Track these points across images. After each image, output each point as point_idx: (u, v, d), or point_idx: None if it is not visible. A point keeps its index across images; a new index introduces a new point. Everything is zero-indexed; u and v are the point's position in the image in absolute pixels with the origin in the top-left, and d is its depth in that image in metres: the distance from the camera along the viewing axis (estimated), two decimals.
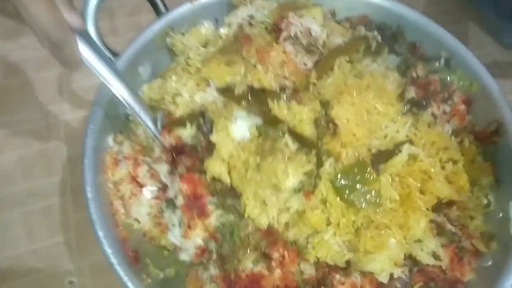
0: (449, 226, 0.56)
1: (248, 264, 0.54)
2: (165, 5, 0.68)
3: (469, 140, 0.60)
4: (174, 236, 0.56)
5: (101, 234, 0.50)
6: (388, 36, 0.71)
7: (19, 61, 0.77)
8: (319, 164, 0.55)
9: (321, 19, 0.65)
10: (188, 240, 0.55)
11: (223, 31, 0.68)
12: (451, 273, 0.53)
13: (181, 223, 0.56)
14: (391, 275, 0.52)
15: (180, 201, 0.56)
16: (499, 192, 0.58)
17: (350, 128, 0.57)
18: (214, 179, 0.57)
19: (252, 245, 0.55)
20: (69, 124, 0.72)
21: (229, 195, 0.57)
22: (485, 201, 0.59)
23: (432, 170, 0.56)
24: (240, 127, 0.58)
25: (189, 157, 0.58)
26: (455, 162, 0.57)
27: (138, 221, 0.58)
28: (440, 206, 0.57)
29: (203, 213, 0.56)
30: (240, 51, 0.64)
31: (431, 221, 0.55)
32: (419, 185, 0.55)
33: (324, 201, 0.53)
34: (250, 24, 0.67)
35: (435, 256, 0.54)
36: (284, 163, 0.54)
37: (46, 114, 0.73)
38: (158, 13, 0.68)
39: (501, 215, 0.56)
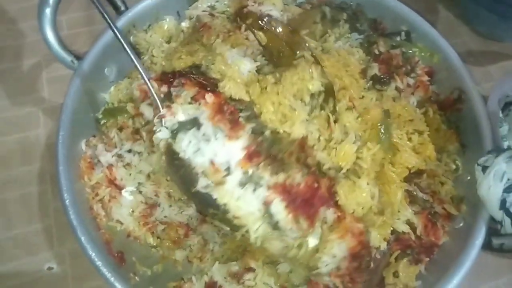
0: (420, 194, 0.59)
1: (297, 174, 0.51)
2: (124, 3, 0.67)
3: (433, 110, 0.63)
4: (211, 151, 0.50)
5: (83, 239, 0.50)
6: (349, 15, 0.72)
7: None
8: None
9: (280, 5, 0.66)
10: (233, 142, 0.50)
11: (184, 24, 0.68)
12: (426, 238, 0.56)
13: (217, 132, 0.51)
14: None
15: (205, 116, 0.52)
16: (465, 157, 0.61)
17: None
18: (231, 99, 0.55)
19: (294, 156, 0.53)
20: (48, 113, 0.72)
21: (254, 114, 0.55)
22: (454, 167, 0.62)
23: (399, 142, 0.58)
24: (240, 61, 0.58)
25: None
26: (420, 133, 0.59)
27: (121, 223, 0.59)
28: (410, 176, 0.59)
29: (236, 125, 0.52)
30: (201, 40, 0.64)
31: (405, 191, 0.57)
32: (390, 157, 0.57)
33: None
34: (211, 15, 0.67)
35: (410, 224, 0.56)
36: (310, 66, 0.55)
37: (25, 103, 0.73)
38: (118, 11, 0.67)
39: (469, 178, 0.59)
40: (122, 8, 0.67)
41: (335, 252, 0.50)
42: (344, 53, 0.64)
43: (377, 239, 0.54)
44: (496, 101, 0.57)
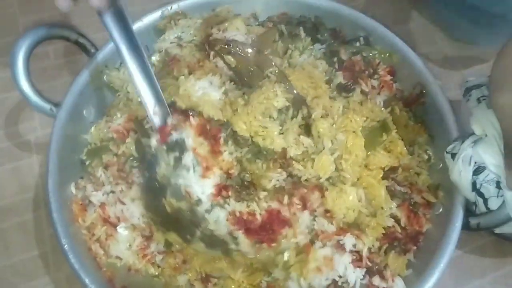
0: (398, 188, 0.63)
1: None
2: (93, 45, 0.69)
3: (398, 107, 0.67)
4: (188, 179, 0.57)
5: (87, 280, 0.52)
6: (310, 27, 0.76)
7: None
8: None
9: (243, 28, 0.69)
10: (206, 180, 0.57)
11: (154, 58, 0.70)
12: (411, 228, 0.59)
13: (195, 165, 0.57)
14: None
15: (190, 142, 0.57)
16: (435, 146, 0.65)
17: None
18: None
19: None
20: (40, 141, 0.74)
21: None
22: (426, 157, 0.66)
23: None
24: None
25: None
26: (389, 134, 0.63)
27: (120, 258, 0.60)
28: (386, 173, 0.63)
29: (216, 150, 0.58)
30: (172, 74, 0.66)
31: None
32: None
33: None
34: (179, 46, 0.70)
35: (394, 217, 0.60)
36: (272, 86, 0.61)
37: (17, 133, 0.75)
38: (88, 54, 0.69)
39: (441, 165, 0.63)
40: (92, 50, 0.69)
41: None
42: (308, 67, 0.68)
43: (371, 241, 0.58)
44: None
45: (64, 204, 0.58)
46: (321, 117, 0.61)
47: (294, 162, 0.59)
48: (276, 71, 0.65)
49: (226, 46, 0.67)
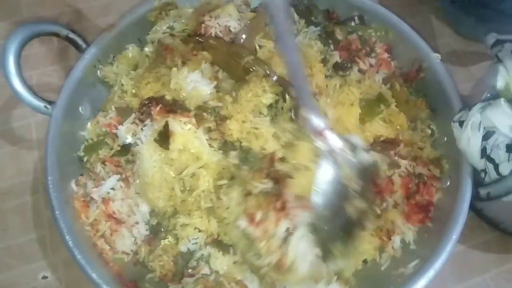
0: (402, 162, 0.62)
1: None
2: (84, 40, 0.68)
3: (398, 83, 0.66)
4: None
5: (94, 276, 0.51)
6: (303, 10, 0.75)
7: None
8: None
9: (236, 14, 0.68)
10: None
11: (148, 49, 0.69)
12: (421, 198, 0.59)
13: None
14: None
15: None
16: (438, 120, 0.65)
17: None
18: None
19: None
20: (40, 125, 0.74)
21: None
22: (429, 131, 0.65)
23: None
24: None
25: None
26: (388, 106, 0.63)
27: (127, 254, 0.59)
28: (385, 145, 0.63)
29: None
30: (165, 63, 0.65)
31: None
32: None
33: None
34: (172, 35, 0.69)
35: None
36: (260, 81, 0.60)
37: (17, 116, 0.75)
38: (80, 50, 0.68)
39: (445, 139, 0.62)
40: (84, 46, 0.67)
41: None
42: (303, 47, 0.67)
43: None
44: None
45: (66, 201, 0.57)
46: (314, 95, 0.60)
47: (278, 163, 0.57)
48: (252, 59, 0.63)
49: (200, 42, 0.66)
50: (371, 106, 0.61)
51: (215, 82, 0.62)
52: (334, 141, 0.54)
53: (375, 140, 0.62)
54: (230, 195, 0.58)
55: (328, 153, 0.54)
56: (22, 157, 0.71)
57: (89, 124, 0.66)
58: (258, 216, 0.55)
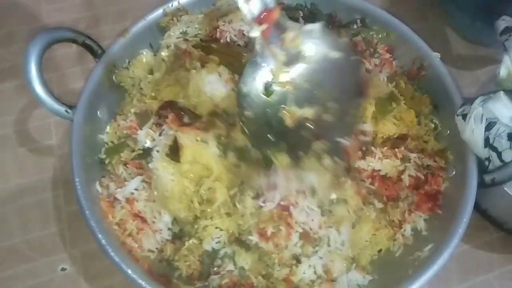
0: (412, 156, 0.66)
1: None
2: (100, 46, 0.69)
3: (403, 81, 0.70)
4: None
5: (130, 272, 0.52)
6: (307, 15, 0.79)
7: (10, 66, 0.83)
8: None
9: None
10: None
11: (164, 54, 0.71)
12: (430, 188, 0.63)
13: None
14: None
15: None
16: (440, 115, 0.69)
17: None
18: None
19: None
20: (59, 125, 0.77)
21: None
22: (432, 125, 0.69)
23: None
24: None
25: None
26: (398, 103, 0.67)
27: (152, 251, 0.61)
28: (396, 142, 0.66)
29: None
30: (184, 66, 0.68)
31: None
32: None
33: None
34: (186, 40, 0.71)
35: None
36: None
37: (37, 116, 0.79)
38: (95, 55, 0.70)
39: (448, 132, 0.67)
40: (99, 51, 0.69)
41: None
42: None
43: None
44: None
45: (93, 201, 0.58)
46: None
47: None
48: None
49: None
50: (383, 105, 0.65)
51: (232, 84, 0.64)
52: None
53: (389, 137, 0.65)
54: (244, 203, 0.61)
55: None
56: (42, 155, 0.74)
57: (108, 127, 0.68)
58: (269, 230, 0.59)
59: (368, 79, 0.61)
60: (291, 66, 0.59)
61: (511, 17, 0.61)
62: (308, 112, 0.58)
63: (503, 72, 0.57)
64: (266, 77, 0.59)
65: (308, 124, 0.58)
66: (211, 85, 0.63)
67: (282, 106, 0.59)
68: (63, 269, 0.66)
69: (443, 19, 0.92)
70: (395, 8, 0.84)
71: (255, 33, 0.53)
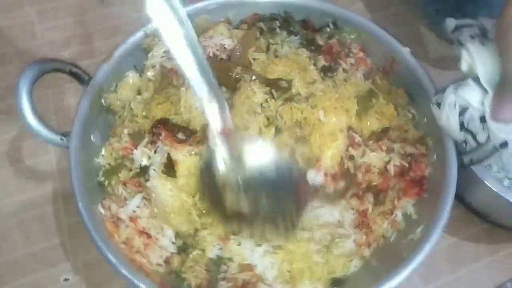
0: (395, 146, 0.70)
1: None
2: (86, 73, 0.71)
3: (379, 77, 0.75)
4: None
5: (144, 287, 0.54)
6: (281, 22, 0.82)
7: (8, 86, 0.86)
8: None
9: (227, 32, 0.74)
10: None
11: (150, 74, 0.73)
12: (415, 174, 0.67)
13: None
14: None
15: None
16: (416, 105, 0.73)
17: None
18: None
19: None
20: (65, 116, 0.82)
21: None
22: (410, 115, 0.74)
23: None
24: None
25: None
26: (377, 99, 0.71)
27: (161, 265, 0.63)
28: (380, 135, 0.71)
29: None
30: (172, 84, 0.71)
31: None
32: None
33: None
34: (169, 59, 0.74)
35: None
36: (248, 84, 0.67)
37: (44, 107, 0.82)
38: (82, 82, 0.71)
39: (425, 120, 0.71)
40: (86, 78, 0.71)
41: None
42: (292, 55, 0.74)
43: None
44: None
45: (98, 223, 0.60)
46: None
47: None
48: (240, 69, 0.70)
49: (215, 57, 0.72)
50: (364, 101, 0.69)
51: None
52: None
53: (373, 132, 0.70)
54: None
55: None
56: (40, 170, 0.78)
57: (103, 150, 0.70)
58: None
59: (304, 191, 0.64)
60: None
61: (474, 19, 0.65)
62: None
63: (464, 66, 0.61)
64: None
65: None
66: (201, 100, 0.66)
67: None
68: (66, 280, 0.69)
69: (423, 21, 0.97)
70: (375, 14, 0.89)
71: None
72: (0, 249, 0.71)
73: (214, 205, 0.62)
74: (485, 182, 0.66)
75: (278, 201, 0.61)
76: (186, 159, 0.62)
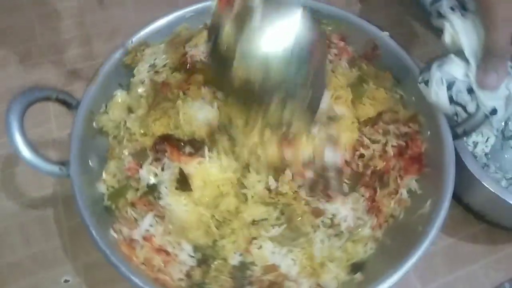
0: (390, 128, 0.72)
1: None
2: (73, 98, 0.69)
3: (364, 63, 0.77)
4: None
5: None
6: None
7: (5, 89, 0.86)
8: None
9: None
10: None
11: (140, 90, 0.72)
12: (412, 151, 0.69)
13: None
14: None
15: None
16: (403, 86, 0.76)
17: None
18: None
19: None
20: (57, 144, 0.81)
21: None
22: (398, 96, 0.76)
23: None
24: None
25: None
26: (367, 84, 0.73)
27: (182, 279, 0.62)
28: (374, 119, 0.73)
29: None
30: (167, 97, 0.70)
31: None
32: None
33: None
34: (157, 72, 0.73)
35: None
36: None
37: (35, 136, 0.78)
38: (70, 107, 0.69)
39: (413, 99, 0.74)
40: (74, 103, 0.69)
41: None
42: None
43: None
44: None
45: (113, 248, 0.59)
46: None
47: None
48: None
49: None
50: (356, 89, 0.71)
51: (216, 102, 0.67)
52: None
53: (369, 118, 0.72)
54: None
55: None
56: (41, 174, 0.72)
57: (103, 174, 0.68)
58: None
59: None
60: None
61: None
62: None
63: (447, 38, 0.63)
64: None
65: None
66: (201, 110, 0.65)
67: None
68: (66, 281, 0.69)
69: (421, 22, 1.00)
70: (375, 14, 0.92)
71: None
72: (1, 250, 0.71)
73: (227, 81, 0.55)
74: (482, 182, 0.67)
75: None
76: (198, 170, 0.62)
